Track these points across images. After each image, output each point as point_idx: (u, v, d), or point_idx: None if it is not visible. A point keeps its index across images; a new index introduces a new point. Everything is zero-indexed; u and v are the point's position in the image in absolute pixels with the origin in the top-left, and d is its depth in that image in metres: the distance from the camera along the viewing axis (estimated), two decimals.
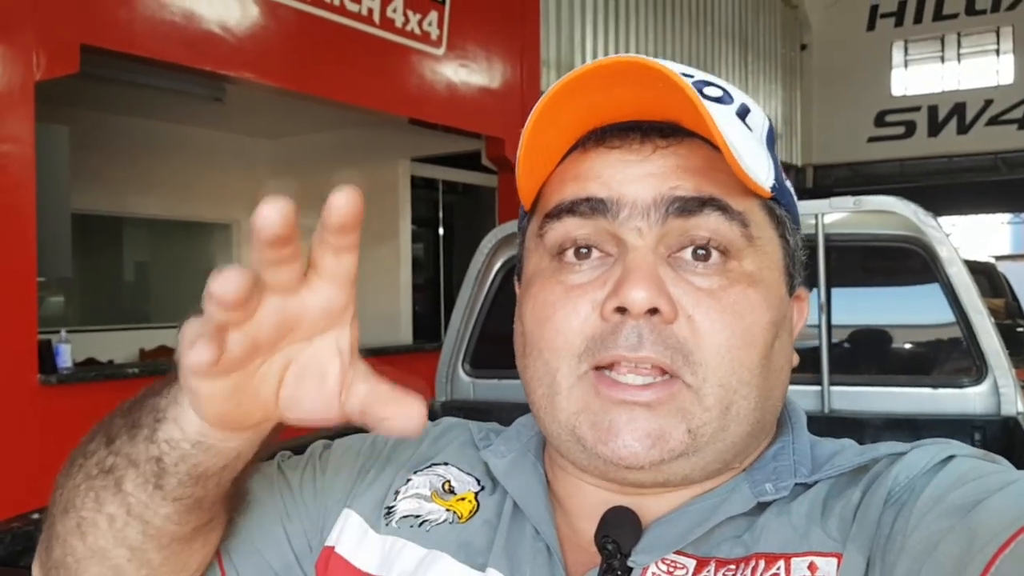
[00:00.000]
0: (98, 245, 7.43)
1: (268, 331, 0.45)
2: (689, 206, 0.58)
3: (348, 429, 0.75)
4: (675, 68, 0.60)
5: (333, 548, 0.67)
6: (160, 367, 5.58)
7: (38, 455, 3.90)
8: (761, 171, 0.59)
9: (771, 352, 0.59)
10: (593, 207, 0.59)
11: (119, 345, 7.06)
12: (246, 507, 0.67)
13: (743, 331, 0.57)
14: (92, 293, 7.61)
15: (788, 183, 0.65)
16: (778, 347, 0.60)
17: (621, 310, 0.56)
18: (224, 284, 0.41)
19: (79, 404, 4.25)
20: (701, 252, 0.58)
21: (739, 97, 0.63)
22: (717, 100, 0.61)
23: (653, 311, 0.56)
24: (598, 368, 0.58)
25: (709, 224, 0.58)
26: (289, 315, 0.45)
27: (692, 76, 0.61)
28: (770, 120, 0.65)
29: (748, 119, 0.62)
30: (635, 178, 0.59)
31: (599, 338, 0.57)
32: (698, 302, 0.57)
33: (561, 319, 0.59)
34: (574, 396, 0.58)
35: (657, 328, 0.56)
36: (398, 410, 0.47)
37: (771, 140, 0.64)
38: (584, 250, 0.60)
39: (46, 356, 4.24)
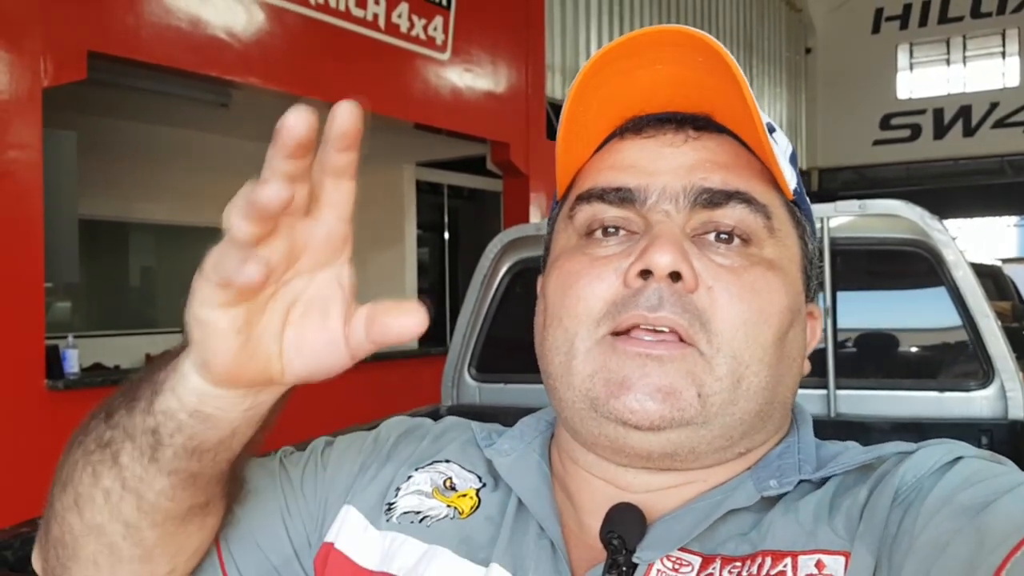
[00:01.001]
0: (105, 250, 7.45)
1: (279, 255, 0.46)
2: (716, 199, 0.60)
3: (351, 428, 0.76)
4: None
5: (333, 544, 0.67)
6: None
7: (45, 460, 3.90)
8: (786, 171, 0.61)
9: (785, 337, 0.60)
10: (623, 197, 0.61)
11: (125, 350, 7.08)
12: (245, 497, 0.67)
13: (759, 308, 0.59)
14: (98, 298, 7.63)
15: (808, 199, 0.67)
16: (792, 336, 0.61)
17: (645, 274, 0.58)
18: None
19: (86, 409, 4.24)
20: (724, 236, 0.60)
21: (766, 117, 0.64)
22: None
23: (676, 277, 0.57)
24: (616, 333, 0.59)
25: (734, 215, 0.60)
26: (296, 241, 0.47)
27: None
28: (793, 145, 0.67)
29: (774, 136, 0.63)
30: (666, 169, 0.61)
31: (620, 302, 0.58)
32: (718, 276, 0.59)
33: (584, 285, 0.60)
34: (591, 358, 0.59)
35: (678, 293, 0.57)
36: (400, 310, 0.48)
37: (794, 161, 0.66)
38: (612, 229, 0.62)
39: (53, 361, 4.25)
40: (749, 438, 0.62)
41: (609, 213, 0.61)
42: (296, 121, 0.42)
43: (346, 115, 0.44)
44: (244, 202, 0.43)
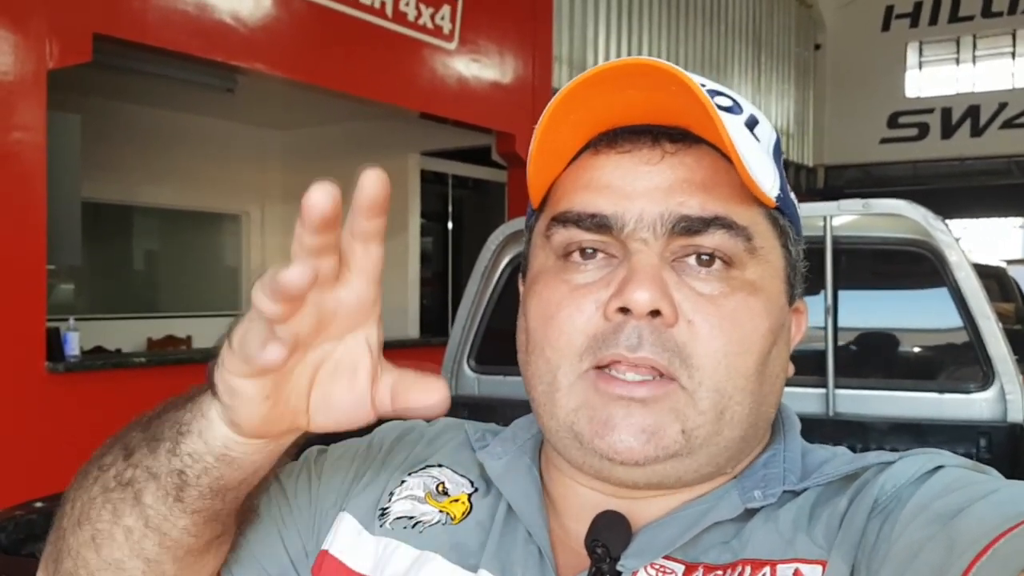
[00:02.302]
0: (108, 234, 7.46)
1: (307, 327, 0.47)
2: (695, 226, 0.59)
3: (343, 434, 0.76)
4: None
5: (328, 551, 0.67)
6: (167, 357, 5.59)
7: (44, 443, 3.92)
8: (767, 180, 0.60)
9: (767, 359, 0.60)
10: (599, 223, 0.60)
11: (127, 334, 7.09)
12: (254, 520, 0.67)
13: (740, 338, 0.58)
14: (101, 282, 7.65)
15: (792, 195, 0.66)
16: (775, 355, 0.61)
17: (624, 310, 0.57)
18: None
19: (86, 393, 4.27)
20: (705, 258, 0.59)
21: (748, 108, 0.63)
22: (727, 110, 0.61)
23: (655, 313, 0.57)
24: (598, 367, 0.58)
25: (714, 241, 0.59)
26: (326, 310, 0.47)
27: (704, 85, 0.62)
28: (777, 133, 0.66)
29: (756, 130, 0.62)
30: (643, 191, 0.59)
31: (601, 337, 0.58)
32: (698, 307, 0.58)
33: (565, 318, 0.60)
34: (574, 393, 0.59)
35: (657, 330, 0.57)
36: (425, 388, 0.49)
37: (777, 153, 0.65)
38: (590, 251, 0.61)
39: (54, 344, 4.26)
40: (735, 459, 0.62)
41: (586, 237, 0.61)
42: (319, 198, 0.42)
43: (374, 183, 0.45)
44: (270, 282, 0.43)
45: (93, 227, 5.98)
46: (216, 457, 0.51)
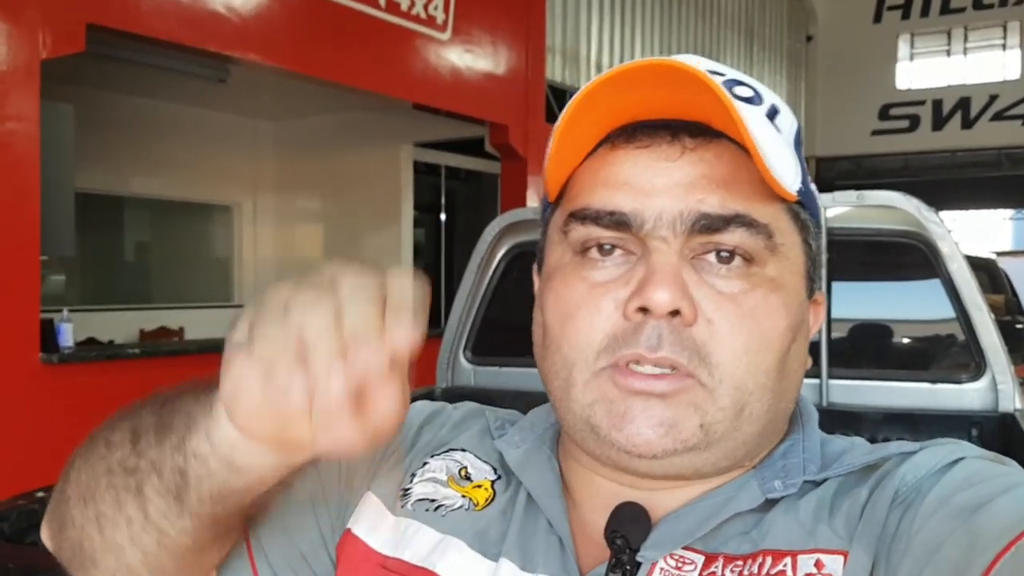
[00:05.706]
0: (100, 225, 7.42)
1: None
2: (715, 224, 0.58)
3: None
4: (706, 66, 0.60)
5: (351, 529, 0.67)
6: (161, 348, 5.59)
7: (39, 433, 3.92)
8: (788, 175, 0.59)
9: (787, 356, 0.60)
10: (618, 221, 0.59)
11: (119, 325, 7.07)
12: (287, 493, 0.66)
13: (760, 336, 0.58)
14: (93, 273, 7.62)
15: (812, 186, 0.65)
16: (794, 351, 0.61)
17: (643, 310, 0.57)
18: None
19: (80, 383, 4.27)
20: (725, 255, 0.59)
21: (769, 98, 0.62)
22: (747, 100, 0.60)
23: (674, 313, 0.56)
24: (616, 366, 0.58)
25: (734, 239, 0.58)
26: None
27: (723, 75, 0.61)
28: (798, 121, 0.65)
29: (777, 120, 0.62)
30: (662, 188, 0.59)
31: (620, 337, 0.58)
32: (718, 306, 0.57)
33: (583, 317, 0.59)
34: (590, 389, 0.59)
35: (677, 329, 0.57)
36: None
37: (798, 142, 0.64)
38: (608, 247, 0.60)
39: (48, 335, 4.25)
40: (753, 453, 0.62)
41: (604, 234, 0.60)
42: None
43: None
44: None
45: (84, 218, 5.95)
46: (220, 461, 0.49)
